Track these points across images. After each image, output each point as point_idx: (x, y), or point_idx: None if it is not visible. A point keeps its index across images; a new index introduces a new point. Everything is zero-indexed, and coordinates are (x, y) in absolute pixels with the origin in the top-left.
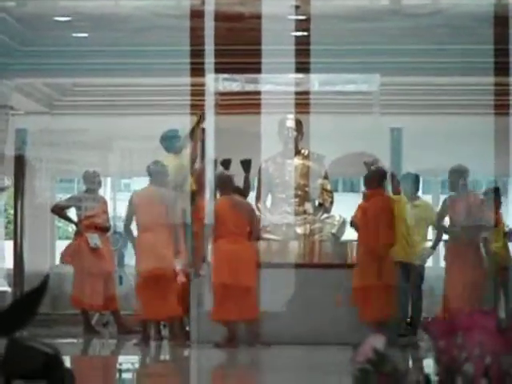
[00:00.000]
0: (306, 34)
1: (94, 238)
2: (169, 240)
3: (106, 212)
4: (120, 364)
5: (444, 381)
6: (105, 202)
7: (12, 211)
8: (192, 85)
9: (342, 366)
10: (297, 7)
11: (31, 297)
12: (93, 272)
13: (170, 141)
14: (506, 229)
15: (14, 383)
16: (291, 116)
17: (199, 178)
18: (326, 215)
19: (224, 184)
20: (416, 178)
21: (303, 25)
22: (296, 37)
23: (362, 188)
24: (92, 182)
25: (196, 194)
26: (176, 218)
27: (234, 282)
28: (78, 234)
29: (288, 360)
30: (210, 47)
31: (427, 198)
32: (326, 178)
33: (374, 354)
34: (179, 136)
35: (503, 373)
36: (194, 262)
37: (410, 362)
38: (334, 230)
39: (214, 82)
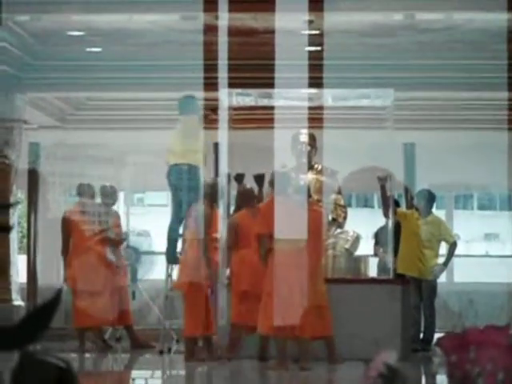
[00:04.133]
0: (319, 48)
1: (108, 253)
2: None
3: (119, 226)
4: (133, 379)
5: None
6: (118, 216)
7: (25, 225)
8: (205, 99)
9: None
10: (310, 22)
11: (44, 310)
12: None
13: (186, 103)
14: None
15: None
16: (305, 131)
17: (212, 192)
18: (339, 230)
19: (247, 198)
20: (430, 195)
21: (316, 40)
22: (309, 52)
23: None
24: (109, 196)
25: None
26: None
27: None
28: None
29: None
30: (223, 62)
31: (440, 213)
32: (339, 193)
33: (386, 369)
34: (196, 100)
35: None
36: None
37: (424, 378)
38: (347, 246)
39: (228, 97)
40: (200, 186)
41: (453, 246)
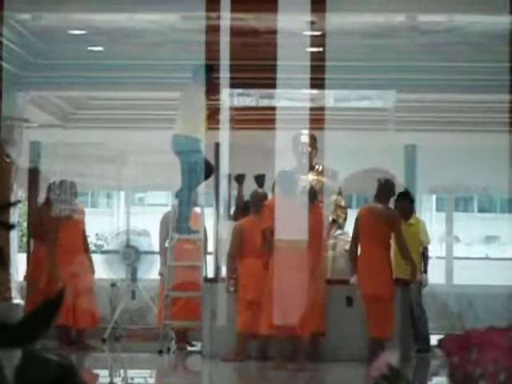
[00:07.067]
0: (321, 49)
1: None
2: None
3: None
4: (132, 379)
5: None
6: (83, 212)
7: (25, 224)
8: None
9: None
10: (312, 23)
11: (46, 309)
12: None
13: (199, 71)
14: None
15: None
16: (305, 132)
17: None
18: (339, 231)
19: (259, 202)
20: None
21: (318, 41)
22: (311, 52)
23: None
24: (69, 192)
25: None
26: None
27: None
28: None
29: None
30: (225, 62)
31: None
32: (339, 194)
33: (388, 370)
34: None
35: None
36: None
37: (423, 378)
38: (347, 247)
39: (229, 97)
40: (201, 159)
41: (427, 250)
